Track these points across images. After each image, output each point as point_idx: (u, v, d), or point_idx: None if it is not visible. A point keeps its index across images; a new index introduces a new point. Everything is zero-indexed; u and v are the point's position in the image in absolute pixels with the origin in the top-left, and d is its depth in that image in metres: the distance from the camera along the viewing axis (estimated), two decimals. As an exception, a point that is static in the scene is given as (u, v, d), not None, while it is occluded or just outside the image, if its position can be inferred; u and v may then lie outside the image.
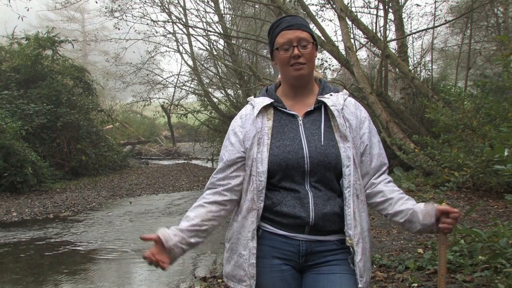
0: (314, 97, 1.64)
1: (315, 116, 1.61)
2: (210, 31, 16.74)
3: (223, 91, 20.01)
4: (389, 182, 1.62)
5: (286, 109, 1.62)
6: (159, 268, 1.50)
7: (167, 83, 20.79)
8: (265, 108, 1.62)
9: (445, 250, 1.54)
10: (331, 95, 1.63)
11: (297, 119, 1.60)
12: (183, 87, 20.59)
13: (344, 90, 1.69)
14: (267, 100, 1.63)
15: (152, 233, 1.52)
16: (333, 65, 14.09)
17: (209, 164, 18.84)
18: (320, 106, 1.62)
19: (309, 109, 1.62)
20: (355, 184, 1.54)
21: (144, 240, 1.52)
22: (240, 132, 1.62)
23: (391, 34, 12.36)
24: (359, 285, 1.50)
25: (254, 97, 1.71)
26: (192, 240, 1.54)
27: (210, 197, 1.59)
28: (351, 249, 1.52)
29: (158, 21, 16.42)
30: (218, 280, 4.18)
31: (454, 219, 1.49)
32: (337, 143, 1.55)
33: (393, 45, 12.10)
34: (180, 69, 28.51)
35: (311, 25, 10.87)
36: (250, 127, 1.60)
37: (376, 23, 11.97)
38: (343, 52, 9.90)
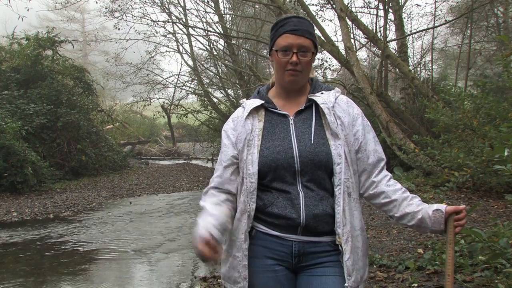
0: (305, 96, 1.64)
1: (306, 115, 1.61)
2: (210, 31, 16.75)
3: (223, 91, 20.02)
4: (390, 179, 1.60)
5: (277, 109, 1.62)
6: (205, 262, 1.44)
7: (167, 83, 20.81)
8: (256, 110, 1.62)
9: (452, 250, 1.54)
10: (322, 93, 1.63)
11: (288, 119, 1.60)
12: (183, 87, 20.61)
13: (336, 88, 1.68)
14: (257, 102, 1.63)
15: (201, 234, 1.44)
16: (333, 65, 14.10)
17: (209, 164, 18.83)
18: (311, 104, 1.62)
19: (300, 108, 1.62)
20: (347, 182, 1.52)
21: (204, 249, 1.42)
22: (233, 135, 1.63)
23: (391, 34, 12.37)
24: (346, 284, 1.48)
25: (247, 98, 1.72)
26: (224, 238, 1.55)
27: (222, 195, 1.60)
28: (340, 248, 1.51)
29: (158, 21, 16.44)
30: (218, 280, 4.18)
31: (462, 218, 1.50)
32: (328, 141, 1.54)
33: (393, 45, 12.11)
34: (180, 69, 28.51)
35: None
36: (241, 129, 1.61)
37: (376, 23, 11.96)
38: (343, 52, 9.90)
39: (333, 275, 1.51)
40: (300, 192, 1.52)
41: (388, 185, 1.58)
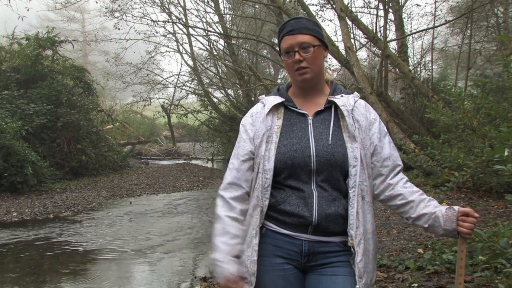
0: (325, 98, 1.66)
1: (325, 116, 1.62)
2: (210, 31, 16.76)
3: (223, 91, 20.03)
4: (406, 182, 1.61)
5: (296, 108, 1.64)
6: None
7: (167, 83, 20.83)
8: (276, 107, 1.64)
9: (464, 255, 1.56)
10: (342, 96, 1.64)
11: (306, 118, 1.62)
12: (183, 87, 20.62)
13: (355, 93, 1.70)
14: (278, 99, 1.64)
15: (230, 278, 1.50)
16: (333, 65, 14.12)
17: (209, 164, 18.83)
18: (331, 106, 1.63)
19: (319, 109, 1.63)
20: (361, 185, 1.54)
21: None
22: (251, 130, 1.63)
23: (391, 34, 12.38)
24: (357, 286, 1.49)
25: (258, 96, 1.74)
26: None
27: (237, 206, 1.58)
28: (352, 249, 1.52)
29: (158, 21, 16.45)
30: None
31: (472, 222, 1.50)
32: (345, 143, 1.56)
33: (393, 45, 12.11)
34: (180, 69, 28.58)
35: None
36: (260, 125, 1.62)
37: (376, 23, 11.99)
38: (343, 52, 9.91)
39: (343, 274, 1.52)
40: (313, 191, 1.53)
41: (405, 187, 1.59)
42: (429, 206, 1.54)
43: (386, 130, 1.67)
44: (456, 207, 1.53)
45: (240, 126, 1.68)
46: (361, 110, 1.64)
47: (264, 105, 1.66)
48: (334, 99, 1.61)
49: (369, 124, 1.62)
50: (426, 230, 1.58)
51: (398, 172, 1.62)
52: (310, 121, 1.61)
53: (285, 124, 1.61)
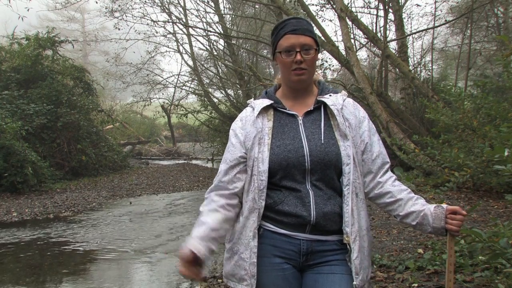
0: (314, 98, 1.66)
1: (315, 116, 1.63)
2: (210, 31, 16.76)
3: (223, 91, 20.03)
4: (395, 180, 1.64)
5: (286, 109, 1.64)
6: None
7: (167, 83, 20.85)
8: (265, 109, 1.64)
9: (453, 252, 1.58)
10: (330, 95, 1.65)
11: (297, 119, 1.62)
12: (183, 87, 20.64)
13: (343, 91, 1.71)
14: (266, 101, 1.65)
15: (183, 252, 1.51)
16: (333, 65, 14.11)
17: (209, 164, 18.83)
18: (320, 106, 1.64)
19: (309, 109, 1.63)
20: (355, 183, 1.55)
21: (184, 263, 1.51)
22: (241, 134, 1.63)
23: (391, 34, 12.38)
24: (354, 282, 1.50)
25: (254, 98, 1.73)
26: (214, 247, 1.56)
27: (220, 200, 1.59)
28: (348, 246, 1.53)
29: (158, 21, 16.44)
30: (218, 280, 4.18)
31: (460, 220, 1.52)
32: (337, 141, 1.57)
33: (393, 45, 12.12)
34: (180, 69, 28.69)
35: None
36: (250, 128, 1.62)
37: (376, 23, 11.99)
38: (343, 52, 9.90)
39: (340, 273, 1.54)
40: (309, 190, 1.54)
41: (394, 185, 1.61)
42: (417, 204, 1.57)
43: (374, 128, 1.69)
44: (444, 205, 1.55)
45: (230, 131, 1.68)
46: (350, 108, 1.65)
47: (253, 109, 1.66)
48: (323, 99, 1.62)
49: (358, 122, 1.64)
50: (414, 228, 1.60)
51: (387, 170, 1.64)
52: (300, 122, 1.61)
53: (275, 125, 1.62)
